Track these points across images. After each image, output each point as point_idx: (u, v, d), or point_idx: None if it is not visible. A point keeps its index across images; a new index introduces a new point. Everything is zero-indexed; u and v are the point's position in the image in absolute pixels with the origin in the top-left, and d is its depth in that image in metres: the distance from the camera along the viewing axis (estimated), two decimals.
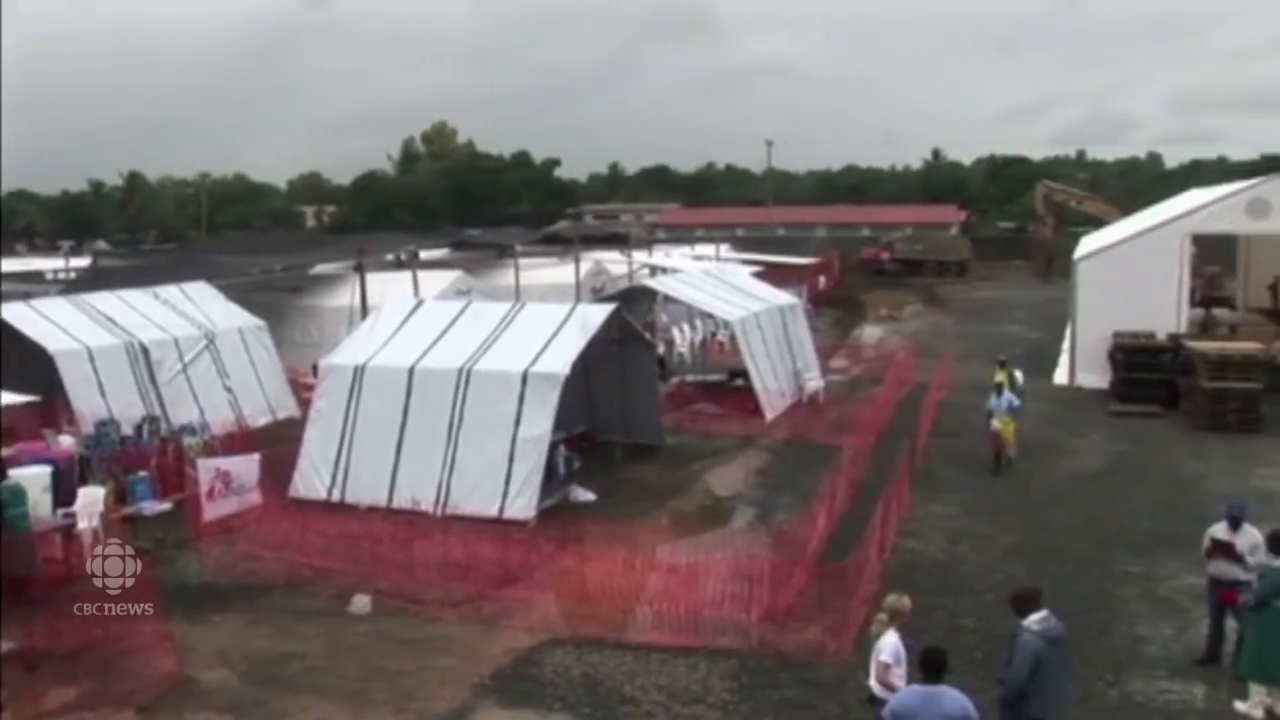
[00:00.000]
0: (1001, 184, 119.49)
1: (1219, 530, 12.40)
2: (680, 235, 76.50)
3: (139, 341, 22.93)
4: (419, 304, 21.85)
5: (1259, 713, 11.24)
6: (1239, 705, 11.40)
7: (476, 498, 17.79)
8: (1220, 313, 36.47)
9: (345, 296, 30.04)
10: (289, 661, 12.81)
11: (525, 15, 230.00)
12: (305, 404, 22.32)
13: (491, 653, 12.94)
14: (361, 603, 14.29)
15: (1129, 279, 29.08)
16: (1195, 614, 13.45)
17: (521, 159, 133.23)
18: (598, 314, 20.50)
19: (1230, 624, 12.30)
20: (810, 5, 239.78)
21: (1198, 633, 13.00)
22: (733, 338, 27.70)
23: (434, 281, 31.58)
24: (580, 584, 14.38)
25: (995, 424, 21.58)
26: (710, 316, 30.61)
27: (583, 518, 17.12)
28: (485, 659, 12.77)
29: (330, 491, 18.77)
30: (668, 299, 30.90)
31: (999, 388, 22.09)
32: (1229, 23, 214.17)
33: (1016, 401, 22.03)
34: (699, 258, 49.25)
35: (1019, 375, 24.20)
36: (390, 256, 37.36)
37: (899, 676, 9.29)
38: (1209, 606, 12.68)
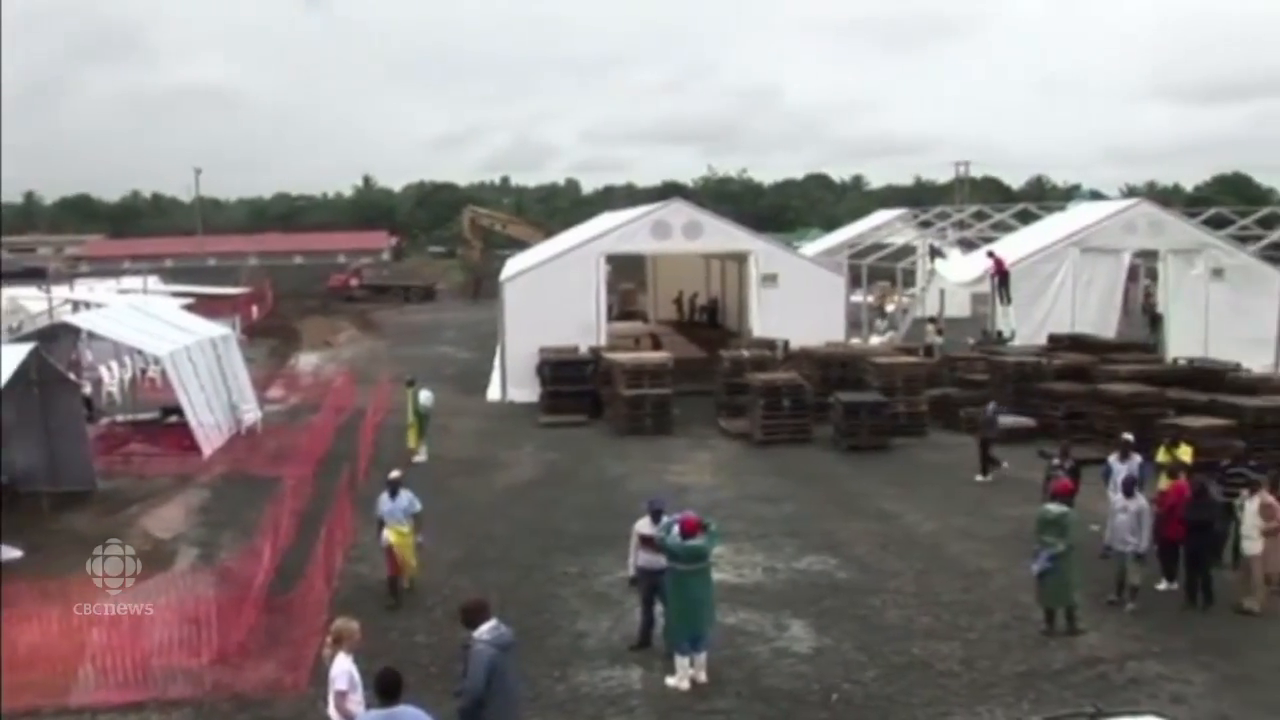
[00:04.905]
0: (431, 209, 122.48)
1: (643, 525, 13.46)
2: (106, 268, 73.24)
3: None
4: None
5: (685, 684, 12.40)
6: (669, 680, 12.52)
7: None
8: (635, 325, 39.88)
9: None
10: None
11: None
12: None
13: None
14: None
15: (552, 297, 31.03)
16: (628, 605, 14.50)
17: None
18: (14, 356, 19.02)
19: (659, 609, 13.37)
20: (242, 29, 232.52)
21: (631, 621, 14.05)
22: (164, 373, 26.49)
23: None
24: (11, 651, 12.96)
25: (388, 535, 15.74)
26: (139, 352, 29.07)
27: (9, 578, 15.41)
28: None
29: None
30: (93, 336, 29.19)
31: (392, 487, 16.02)
32: (631, 66, 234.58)
33: (417, 505, 16.05)
34: (125, 291, 46.44)
35: (424, 396, 24.59)
36: None
37: (356, 702, 9.23)
38: (640, 597, 13.73)
